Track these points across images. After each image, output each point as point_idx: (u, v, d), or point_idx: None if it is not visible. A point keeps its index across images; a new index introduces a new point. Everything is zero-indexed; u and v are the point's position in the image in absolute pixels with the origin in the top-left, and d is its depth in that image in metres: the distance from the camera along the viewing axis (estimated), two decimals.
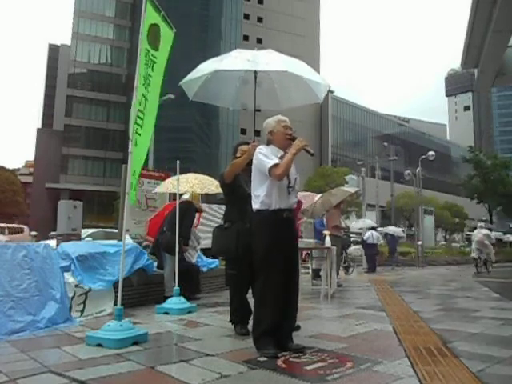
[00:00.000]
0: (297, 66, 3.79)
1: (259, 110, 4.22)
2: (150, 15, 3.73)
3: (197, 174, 6.19)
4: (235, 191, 3.73)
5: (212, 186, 5.84)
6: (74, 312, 4.30)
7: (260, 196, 3.11)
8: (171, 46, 4.06)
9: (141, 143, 3.71)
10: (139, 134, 3.67)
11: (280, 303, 3.02)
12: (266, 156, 3.10)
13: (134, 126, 3.58)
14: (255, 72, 3.78)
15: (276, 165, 3.03)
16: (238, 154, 3.84)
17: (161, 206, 7.81)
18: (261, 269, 3.08)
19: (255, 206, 3.15)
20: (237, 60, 3.81)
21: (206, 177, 6.14)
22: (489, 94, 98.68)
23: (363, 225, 16.60)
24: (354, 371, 2.56)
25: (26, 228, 18.84)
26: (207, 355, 2.94)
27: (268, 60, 3.73)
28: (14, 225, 21.06)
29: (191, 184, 5.74)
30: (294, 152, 3.06)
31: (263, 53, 3.89)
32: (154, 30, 3.78)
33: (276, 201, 3.09)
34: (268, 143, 3.26)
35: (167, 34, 3.99)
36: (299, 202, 3.39)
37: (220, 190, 4.30)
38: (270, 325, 2.98)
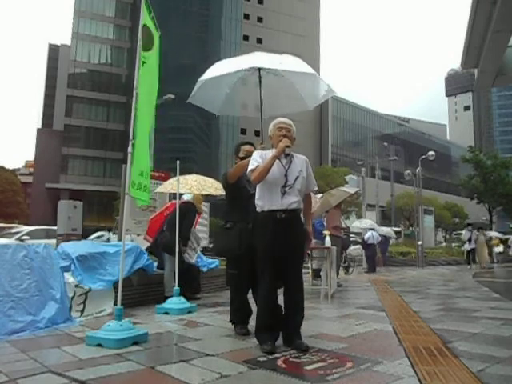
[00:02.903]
0: (288, 62, 3.78)
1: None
2: (144, 16, 3.76)
3: (197, 176, 6.11)
4: (238, 191, 3.72)
5: (211, 188, 5.78)
6: (74, 312, 4.30)
7: (255, 199, 3.23)
8: (160, 48, 4.06)
9: (139, 143, 3.70)
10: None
11: (270, 302, 3.13)
12: (253, 160, 3.19)
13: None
14: (246, 71, 3.80)
15: (253, 169, 3.13)
16: (241, 155, 3.82)
17: (160, 206, 7.82)
18: (258, 269, 3.20)
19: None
20: (231, 64, 3.84)
21: (207, 178, 6.05)
22: (489, 94, 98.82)
23: (362, 225, 16.54)
24: (354, 371, 2.56)
25: None
26: (207, 355, 2.94)
27: (259, 60, 3.77)
28: (13, 225, 21.04)
29: (189, 186, 5.71)
30: (275, 155, 3.12)
31: (257, 54, 3.93)
32: (145, 30, 3.79)
33: (267, 203, 3.15)
34: (272, 147, 3.32)
35: (155, 36, 4.00)
36: (309, 198, 3.43)
37: (219, 193, 4.28)
38: (263, 322, 3.10)
